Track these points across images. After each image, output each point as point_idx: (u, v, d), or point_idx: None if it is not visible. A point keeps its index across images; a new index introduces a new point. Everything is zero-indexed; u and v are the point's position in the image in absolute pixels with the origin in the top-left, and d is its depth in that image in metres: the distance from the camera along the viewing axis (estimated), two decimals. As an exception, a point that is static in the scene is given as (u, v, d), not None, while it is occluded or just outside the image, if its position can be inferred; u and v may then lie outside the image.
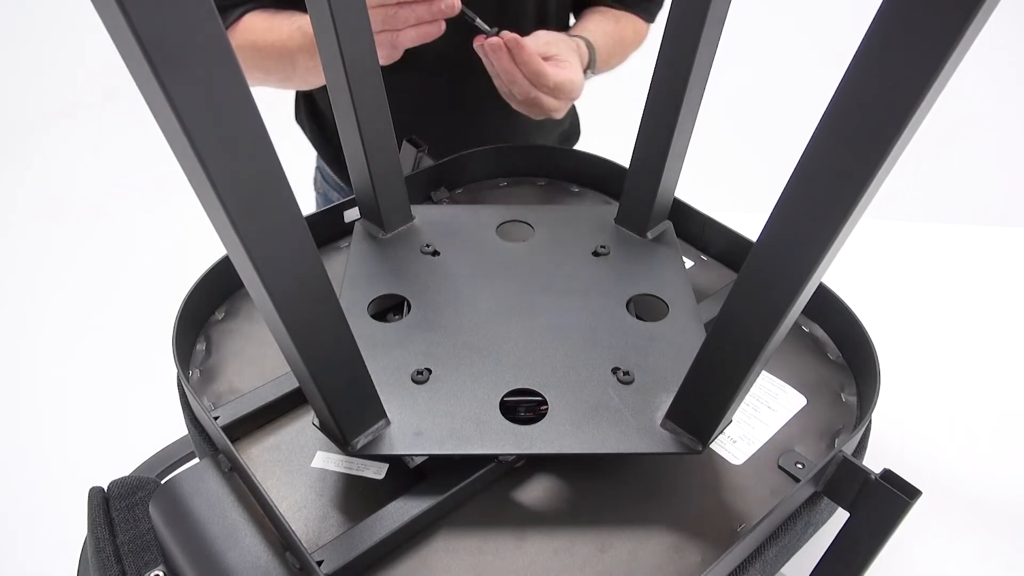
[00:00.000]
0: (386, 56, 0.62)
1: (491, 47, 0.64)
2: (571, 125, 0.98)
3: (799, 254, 0.30)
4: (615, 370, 0.45)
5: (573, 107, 0.97)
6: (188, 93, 0.23)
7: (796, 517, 0.41)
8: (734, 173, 2.01)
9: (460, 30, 0.66)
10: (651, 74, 0.50)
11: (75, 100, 2.58)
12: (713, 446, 0.44)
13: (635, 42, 0.89)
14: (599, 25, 0.84)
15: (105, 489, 0.43)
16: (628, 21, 0.89)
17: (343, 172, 0.91)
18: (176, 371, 0.47)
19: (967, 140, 2.16)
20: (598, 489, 0.43)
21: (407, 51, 0.70)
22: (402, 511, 0.39)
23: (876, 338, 0.49)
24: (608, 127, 1.18)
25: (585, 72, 0.76)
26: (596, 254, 0.55)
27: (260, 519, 0.39)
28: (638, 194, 0.56)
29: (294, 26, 0.69)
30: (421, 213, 0.59)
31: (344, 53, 0.46)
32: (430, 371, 0.44)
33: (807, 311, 0.55)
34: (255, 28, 0.74)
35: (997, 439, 0.60)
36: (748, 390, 0.38)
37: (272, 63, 0.73)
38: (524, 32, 0.68)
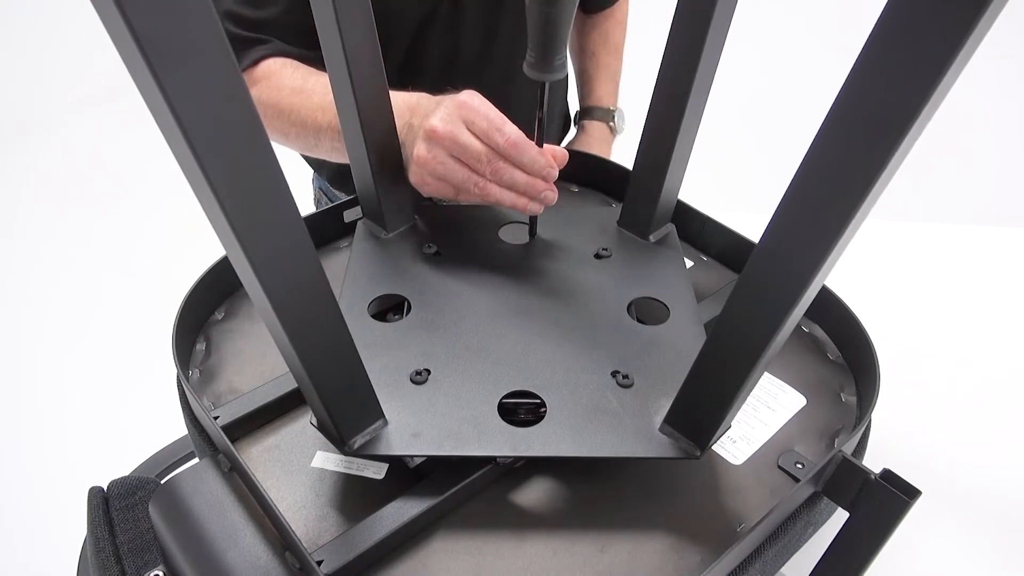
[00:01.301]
0: (445, 195, 0.54)
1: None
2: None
3: (802, 257, 0.30)
4: (614, 373, 0.45)
5: (566, 103, 0.98)
6: (185, 92, 0.23)
7: (796, 517, 0.41)
8: (734, 173, 2.01)
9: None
10: (655, 76, 0.50)
11: (75, 99, 2.58)
12: (713, 446, 0.44)
13: (624, 31, 0.95)
14: (606, 74, 0.93)
15: (105, 489, 0.43)
16: (612, 25, 0.93)
17: (347, 187, 0.89)
18: (176, 371, 0.47)
19: (967, 140, 2.15)
20: (597, 489, 0.43)
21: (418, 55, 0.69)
22: (401, 511, 0.39)
23: (876, 338, 0.49)
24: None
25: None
26: (598, 256, 0.55)
27: (260, 519, 0.39)
28: (641, 197, 0.56)
29: (327, 99, 0.61)
30: (423, 213, 0.59)
31: (348, 51, 0.46)
32: (429, 372, 0.44)
33: (807, 311, 0.55)
34: (281, 85, 0.65)
35: (997, 439, 0.60)
36: (747, 396, 0.38)
37: (294, 132, 0.66)
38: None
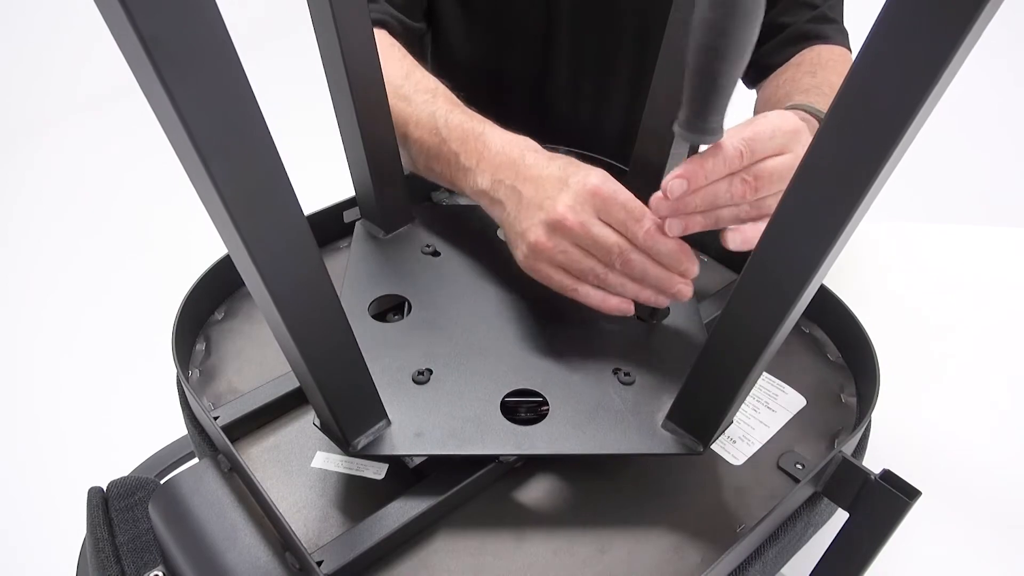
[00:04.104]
0: (553, 284, 0.47)
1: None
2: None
3: (801, 255, 0.30)
4: (616, 371, 0.45)
5: None
6: (190, 92, 0.23)
7: (796, 518, 0.41)
8: (734, 173, 2.01)
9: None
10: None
11: (77, 99, 2.58)
12: (713, 446, 0.44)
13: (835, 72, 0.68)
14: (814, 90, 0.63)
15: (104, 489, 0.43)
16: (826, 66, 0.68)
17: None
18: (176, 371, 0.47)
19: (967, 140, 2.16)
20: (598, 489, 0.43)
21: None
22: (402, 511, 0.39)
23: (876, 338, 0.49)
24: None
25: None
26: (596, 254, 0.55)
27: (260, 519, 0.39)
28: (639, 196, 0.56)
29: (420, 111, 0.57)
30: (422, 213, 0.59)
31: (345, 51, 0.46)
32: (431, 371, 0.44)
33: (807, 312, 0.55)
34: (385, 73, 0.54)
35: (997, 439, 0.60)
36: (749, 391, 0.38)
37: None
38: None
